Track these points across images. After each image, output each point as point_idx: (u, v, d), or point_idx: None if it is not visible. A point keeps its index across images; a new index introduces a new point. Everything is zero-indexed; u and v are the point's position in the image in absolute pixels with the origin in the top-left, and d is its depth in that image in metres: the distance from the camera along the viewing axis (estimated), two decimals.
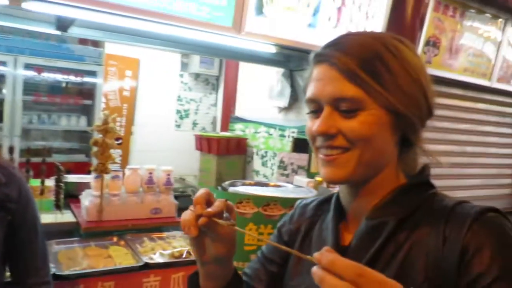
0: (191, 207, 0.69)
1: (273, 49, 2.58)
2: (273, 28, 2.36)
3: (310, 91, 0.71)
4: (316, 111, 0.71)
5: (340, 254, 0.71)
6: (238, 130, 3.87)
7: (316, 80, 0.70)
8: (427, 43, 2.91)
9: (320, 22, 2.50)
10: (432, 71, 2.95)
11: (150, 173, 2.11)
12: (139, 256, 1.77)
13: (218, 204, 0.68)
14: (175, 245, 1.90)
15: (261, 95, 3.51)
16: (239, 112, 3.99)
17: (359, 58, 0.66)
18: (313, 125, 0.70)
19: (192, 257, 1.80)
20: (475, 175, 3.47)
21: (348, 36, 0.70)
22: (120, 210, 2.04)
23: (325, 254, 0.49)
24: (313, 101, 0.70)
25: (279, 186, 2.13)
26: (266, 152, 3.43)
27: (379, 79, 0.65)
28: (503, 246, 0.61)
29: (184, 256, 1.79)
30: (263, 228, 1.74)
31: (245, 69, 3.94)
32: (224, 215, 0.70)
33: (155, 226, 2.10)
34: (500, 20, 3.22)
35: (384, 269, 0.66)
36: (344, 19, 2.54)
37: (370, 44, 0.67)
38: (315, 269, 0.49)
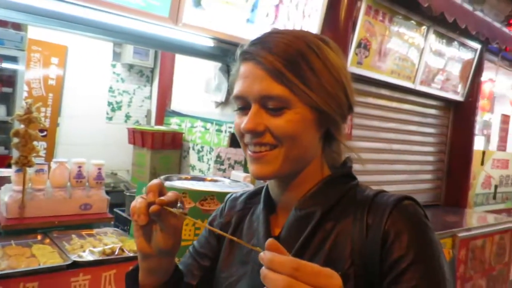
0: (144, 195, 0.69)
1: (210, 43, 2.56)
2: (211, 21, 2.35)
3: (237, 88, 0.74)
4: (244, 108, 0.73)
5: None
6: (173, 124, 3.80)
7: (243, 78, 0.73)
8: (359, 45, 3.06)
9: (258, 18, 2.53)
10: (363, 72, 3.13)
11: (80, 167, 2.01)
12: (67, 254, 1.67)
13: (171, 194, 0.69)
14: (106, 242, 1.82)
15: (198, 89, 3.47)
16: (174, 105, 3.92)
17: (284, 57, 0.69)
18: (241, 122, 0.72)
19: (125, 254, 1.75)
20: (401, 171, 3.73)
21: (273, 35, 0.73)
22: (45, 206, 1.92)
23: (266, 253, 0.52)
24: (241, 98, 0.73)
25: (216, 180, 2.13)
26: (202, 147, 3.40)
27: (303, 79, 0.69)
28: (419, 232, 0.68)
29: (116, 253, 1.73)
30: (200, 223, 1.73)
31: (181, 62, 3.87)
32: (178, 204, 0.70)
33: (84, 223, 2.00)
34: (424, 27, 3.48)
35: (313, 257, 0.71)
36: (281, 16, 2.59)
37: (295, 43, 0.71)
38: (262, 268, 0.52)
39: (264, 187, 0.85)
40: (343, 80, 0.74)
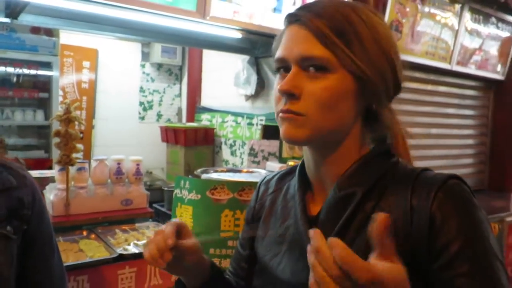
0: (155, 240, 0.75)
1: (238, 35, 2.59)
2: (238, 12, 2.37)
3: (279, 51, 0.74)
4: (284, 71, 0.74)
5: (309, 225, 0.75)
6: (204, 120, 3.86)
7: (286, 40, 0.73)
8: (390, 27, 3.01)
9: (285, 6, 2.54)
10: None
11: (119, 164, 2.08)
12: (113, 248, 1.74)
13: (169, 229, 0.75)
14: (149, 235, 1.88)
15: (227, 84, 3.51)
16: (204, 101, 3.99)
17: (331, 21, 0.69)
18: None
19: None
20: (440, 157, 3.64)
21: (322, 1, 0.74)
22: (88, 203, 2.00)
23: (335, 250, 0.50)
24: (282, 61, 0.73)
25: (252, 172, 2.16)
26: (234, 141, 3.44)
27: (348, 44, 0.69)
28: (467, 213, 0.66)
29: None
30: (239, 214, 1.76)
31: (209, 57, 3.93)
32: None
33: (127, 218, 2.07)
34: (458, 4, 3.38)
35: (354, 238, 0.69)
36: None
37: (344, 10, 0.71)
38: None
39: (299, 165, 0.83)
40: (392, 54, 0.73)
